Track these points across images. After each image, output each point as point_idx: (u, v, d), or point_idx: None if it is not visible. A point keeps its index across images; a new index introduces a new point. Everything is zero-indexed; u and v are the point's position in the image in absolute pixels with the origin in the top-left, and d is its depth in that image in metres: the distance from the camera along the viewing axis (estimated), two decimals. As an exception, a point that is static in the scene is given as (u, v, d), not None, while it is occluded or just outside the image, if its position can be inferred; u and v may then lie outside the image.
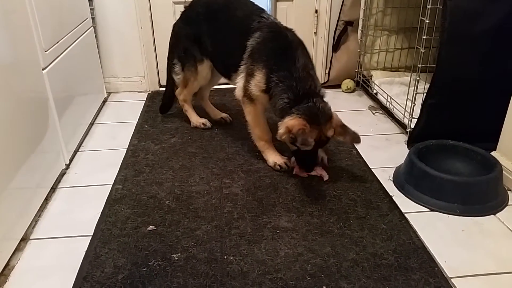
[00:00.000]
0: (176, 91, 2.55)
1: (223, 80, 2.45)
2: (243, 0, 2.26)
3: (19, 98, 1.68)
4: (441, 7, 2.02)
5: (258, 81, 1.97)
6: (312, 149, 1.86)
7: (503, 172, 1.91)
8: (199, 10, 2.31)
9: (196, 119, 2.54)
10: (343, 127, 1.90)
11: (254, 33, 2.01)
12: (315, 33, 3.09)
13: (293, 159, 2.05)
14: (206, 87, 2.57)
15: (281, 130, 1.84)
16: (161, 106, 2.73)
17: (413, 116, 2.30)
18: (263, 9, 2.16)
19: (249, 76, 2.01)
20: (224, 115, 2.63)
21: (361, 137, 1.91)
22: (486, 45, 2.05)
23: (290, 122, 1.80)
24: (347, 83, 3.11)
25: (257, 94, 2.00)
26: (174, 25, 2.45)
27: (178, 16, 2.97)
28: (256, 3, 2.22)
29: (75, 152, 2.28)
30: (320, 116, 1.82)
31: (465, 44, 2.05)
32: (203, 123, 2.52)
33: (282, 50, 1.94)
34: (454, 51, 2.05)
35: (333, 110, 2.74)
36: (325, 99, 1.94)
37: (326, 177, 2.01)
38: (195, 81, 2.41)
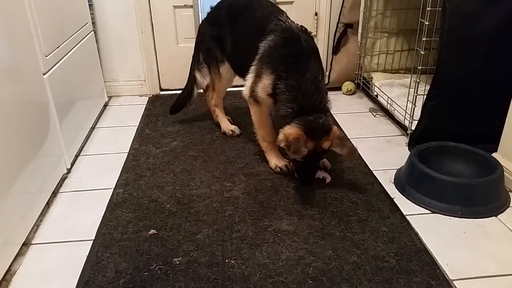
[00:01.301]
0: (207, 96, 2.55)
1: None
2: (265, 1, 2.26)
3: (19, 103, 1.69)
4: (440, 9, 2.02)
5: (265, 85, 1.97)
6: (310, 161, 1.88)
7: (505, 173, 1.90)
8: (222, 11, 2.31)
9: (226, 125, 2.50)
10: (341, 139, 1.87)
11: (267, 36, 1.99)
12: (315, 35, 3.09)
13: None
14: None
15: (280, 137, 1.86)
16: (173, 105, 2.66)
17: (413, 118, 2.30)
18: (282, 11, 2.14)
19: (258, 78, 2.01)
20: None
21: (354, 140, 1.89)
22: (485, 47, 2.05)
23: (288, 131, 1.83)
24: (348, 85, 3.11)
25: (263, 97, 2.01)
26: (200, 25, 2.48)
27: (178, 20, 3.02)
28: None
29: (76, 156, 2.28)
30: (317, 131, 1.82)
31: (464, 46, 2.05)
32: (232, 130, 2.48)
33: (293, 58, 1.91)
34: (454, 53, 2.05)
35: (333, 112, 2.76)
36: (331, 109, 1.94)
37: (328, 179, 2.01)
38: (220, 83, 2.42)
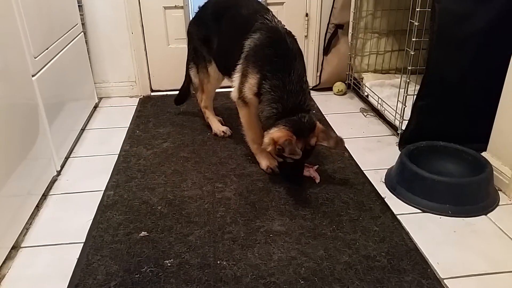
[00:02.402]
0: (197, 97, 2.56)
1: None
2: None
3: (8, 105, 1.67)
4: (429, 9, 2.04)
5: (251, 85, 1.97)
6: (297, 161, 1.87)
7: (494, 172, 1.92)
8: (208, 10, 2.32)
9: (217, 126, 2.50)
10: (326, 132, 1.90)
11: (253, 34, 1.98)
12: (306, 36, 3.10)
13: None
14: None
15: (266, 140, 1.85)
16: (177, 97, 2.72)
17: (404, 118, 2.31)
18: (268, 10, 2.13)
19: (244, 77, 2.01)
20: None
21: (345, 141, 1.90)
22: (475, 47, 2.07)
23: (276, 134, 1.82)
24: (338, 85, 3.12)
25: (250, 97, 2.01)
26: (188, 25, 2.49)
27: (168, 21, 3.01)
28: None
29: (66, 158, 2.27)
30: (304, 129, 1.83)
31: (454, 46, 2.06)
32: (223, 131, 2.48)
33: (279, 58, 1.91)
34: (443, 53, 2.07)
35: (324, 113, 2.77)
36: (313, 109, 1.96)
37: (318, 179, 2.01)
38: (209, 83, 2.42)
